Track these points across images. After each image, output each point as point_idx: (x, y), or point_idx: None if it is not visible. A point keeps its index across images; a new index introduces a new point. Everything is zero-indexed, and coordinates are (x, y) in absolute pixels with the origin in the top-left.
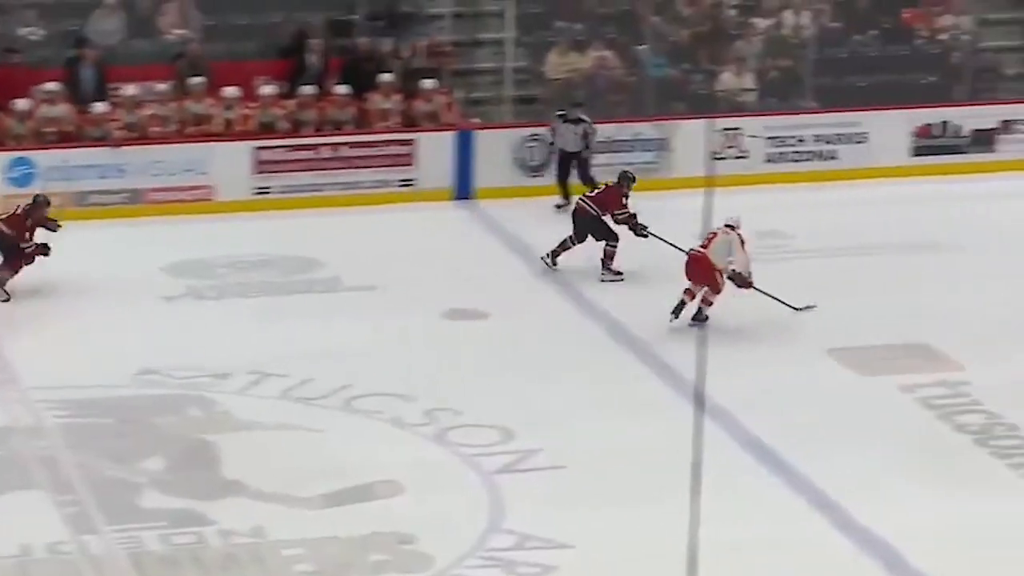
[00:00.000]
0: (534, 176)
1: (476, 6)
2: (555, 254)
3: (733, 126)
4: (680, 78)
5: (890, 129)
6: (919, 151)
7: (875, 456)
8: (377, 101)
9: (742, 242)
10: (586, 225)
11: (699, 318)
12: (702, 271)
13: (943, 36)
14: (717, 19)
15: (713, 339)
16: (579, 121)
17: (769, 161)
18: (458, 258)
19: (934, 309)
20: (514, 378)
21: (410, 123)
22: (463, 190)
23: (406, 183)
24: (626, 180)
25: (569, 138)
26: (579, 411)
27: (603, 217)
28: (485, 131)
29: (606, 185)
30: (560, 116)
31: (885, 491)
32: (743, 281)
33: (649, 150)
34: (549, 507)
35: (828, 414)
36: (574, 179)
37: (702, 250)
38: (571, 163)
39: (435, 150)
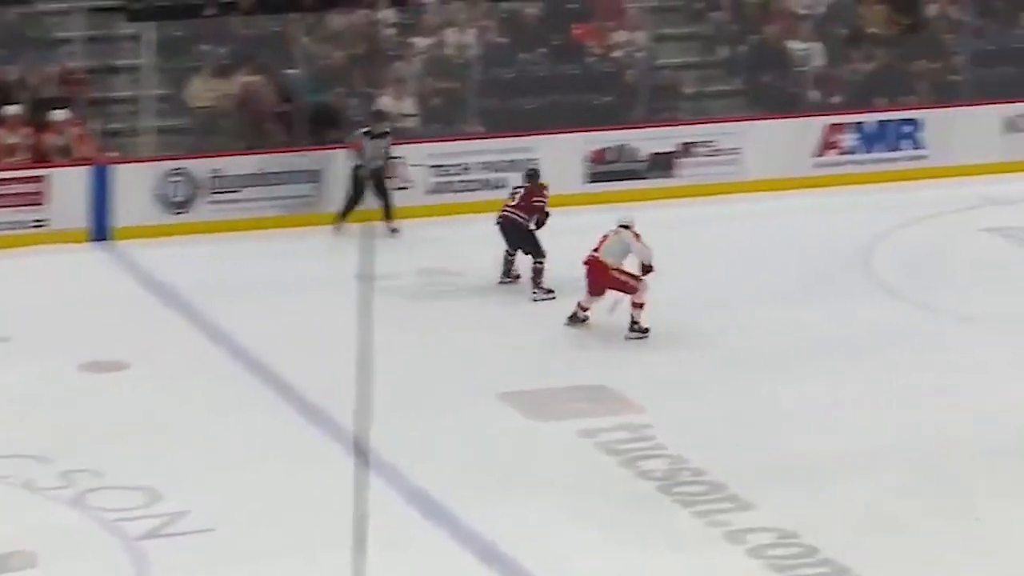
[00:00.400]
0: (178, 213)
1: (111, 29)
2: (507, 273)
3: (395, 155)
4: (335, 103)
5: (563, 154)
6: (594, 177)
7: (551, 505)
8: (3, 136)
9: (636, 236)
10: (517, 236)
11: (635, 330)
12: (598, 275)
13: (617, 53)
14: (373, 39)
15: (377, 381)
16: (385, 135)
17: (434, 192)
18: (96, 304)
19: (612, 349)
20: (160, 434)
21: (40, 158)
22: (100, 230)
23: (38, 224)
24: (535, 176)
25: (378, 154)
26: (231, 465)
27: (532, 228)
28: (123, 165)
29: (524, 189)
30: (367, 133)
31: (560, 542)
32: (648, 269)
33: (302, 183)
34: (200, 572)
35: (501, 462)
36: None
37: (594, 253)
38: (371, 183)
39: (68, 187)
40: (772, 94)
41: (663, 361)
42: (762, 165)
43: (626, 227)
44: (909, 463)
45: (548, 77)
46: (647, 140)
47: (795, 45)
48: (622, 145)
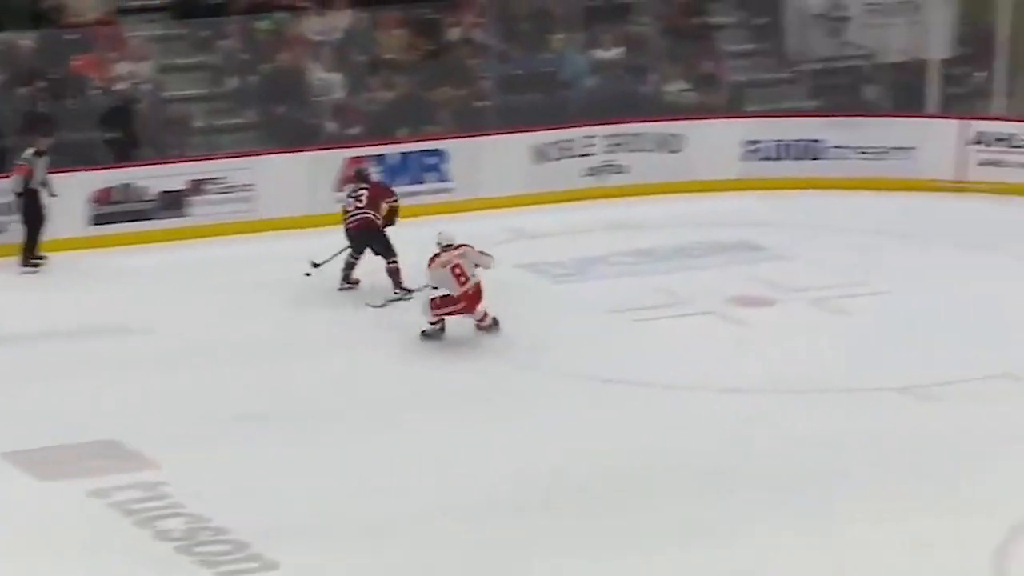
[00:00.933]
0: None
1: None
2: (347, 279)
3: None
4: None
5: (62, 198)
6: (99, 219)
7: (66, 571)
8: None
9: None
10: (371, 238)
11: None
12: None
13: (121, 86)
14: None
15: None
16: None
17: None
18: None
19: (123, 401)
20: None
21: None
22: None
23: None
24: (364, 173)
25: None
26: None
27: (384, 228)
28: None
29: (366, 190)
30: (37, 153)
31: None
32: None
33: None
34: None
35: (15, 526)
36: None
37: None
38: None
39: None
40: (287, 126)
41: (179, 415)
42: (277, 202)
43: (450, 246)
44: (454, 519)
45: (50, 113)
46: (156, 178)
47: (313, 74)
48: (128, 184)
